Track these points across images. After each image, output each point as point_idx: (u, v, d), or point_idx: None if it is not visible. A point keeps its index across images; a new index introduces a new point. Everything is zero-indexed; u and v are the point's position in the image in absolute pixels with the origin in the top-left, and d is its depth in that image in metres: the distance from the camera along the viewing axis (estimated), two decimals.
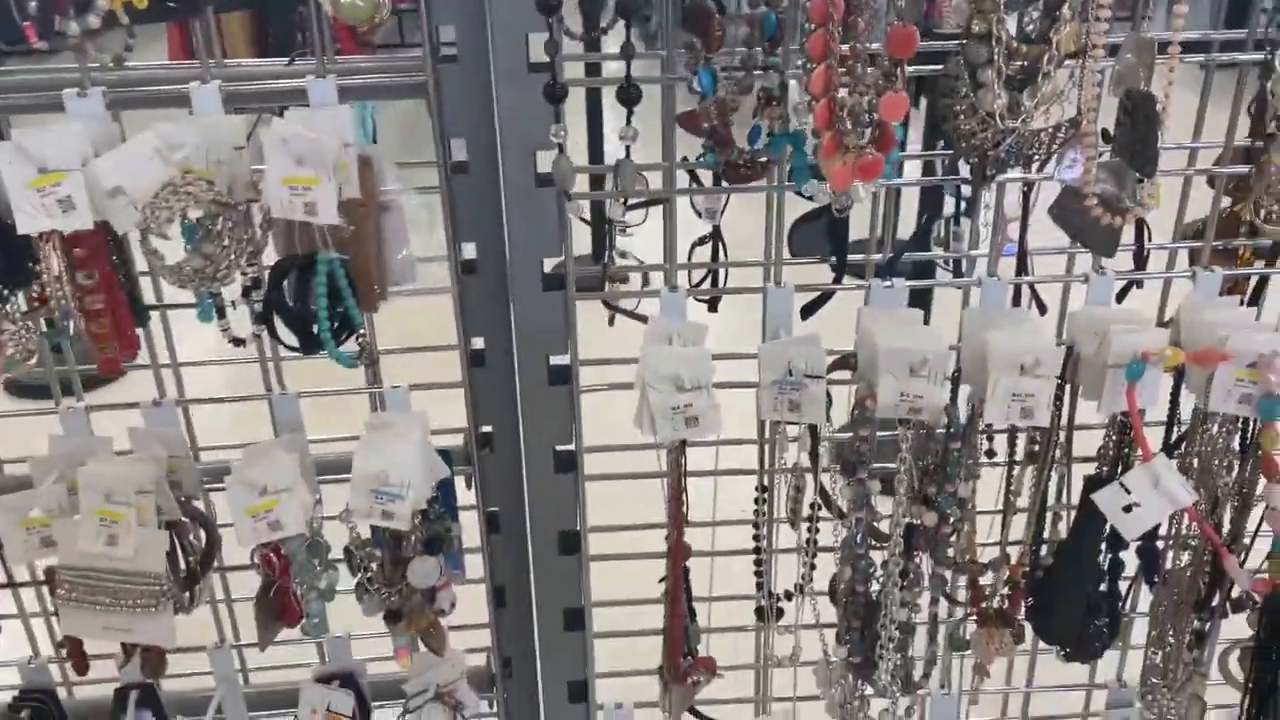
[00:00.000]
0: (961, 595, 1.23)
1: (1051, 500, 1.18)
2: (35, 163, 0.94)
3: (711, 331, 1.11)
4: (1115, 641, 1.26)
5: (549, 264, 1.15)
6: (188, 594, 1.15)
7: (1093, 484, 1.13)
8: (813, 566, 1.18)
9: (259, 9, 4.34)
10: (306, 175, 0.97)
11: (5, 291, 1.02)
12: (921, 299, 2.36)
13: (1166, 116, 0.99)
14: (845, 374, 1.13)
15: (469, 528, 1.22)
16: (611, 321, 1.29)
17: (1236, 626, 1.26)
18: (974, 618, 1.23)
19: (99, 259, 1.02)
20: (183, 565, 1.16)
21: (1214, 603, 1.21)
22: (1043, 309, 1.23)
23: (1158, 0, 1.39)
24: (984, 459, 1.16)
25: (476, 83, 1.09)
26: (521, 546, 1.30)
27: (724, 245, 1.28)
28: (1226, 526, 1.18)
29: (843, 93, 0.94)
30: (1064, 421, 1.14)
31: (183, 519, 1.14)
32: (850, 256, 1.16)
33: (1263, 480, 1.13)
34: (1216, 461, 1.15)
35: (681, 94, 1.07)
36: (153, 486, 1.08)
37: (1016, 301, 1.20)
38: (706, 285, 1.26)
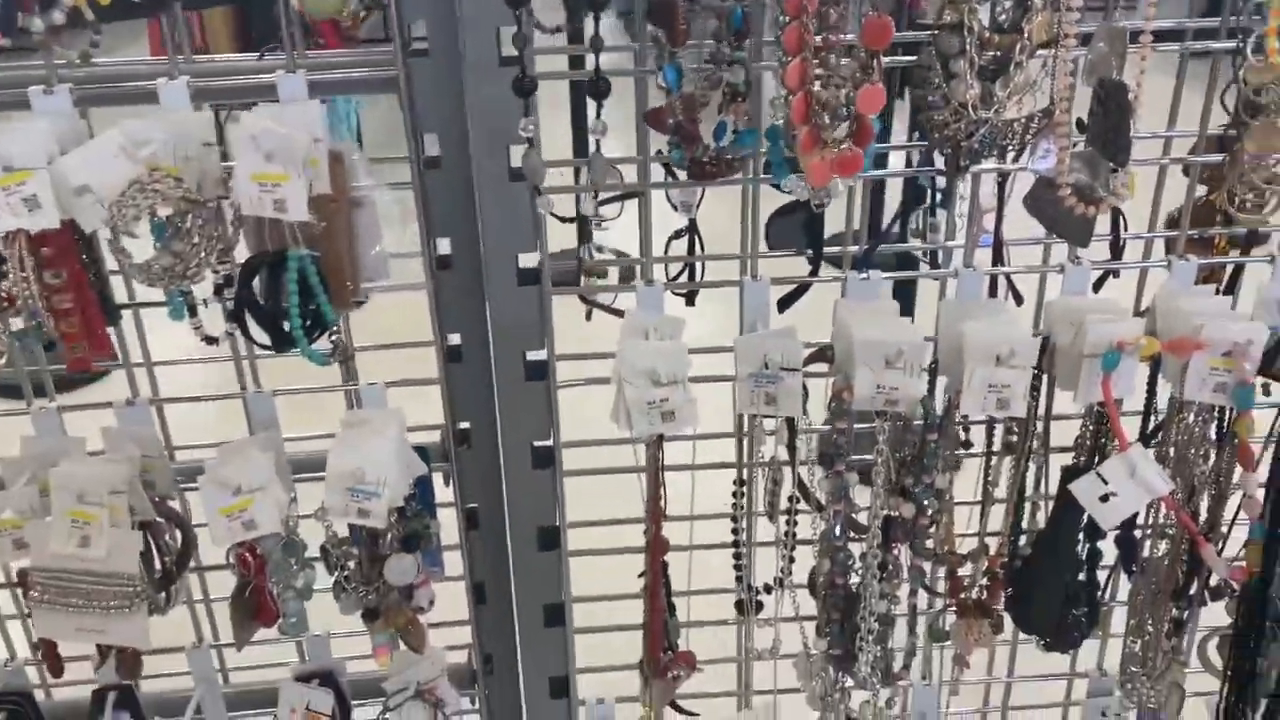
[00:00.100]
0: (940, 586, 1.23)
1: (1029, 491, 1.18)
2: (0, 161, 0.93)
3: (689, 325, 1.11)
4: (1094, 631, 1.26)
5: (524, 259, 1.15)
6: (164, 594, 1.14)
7: (1070, 474, 1.13)
8: (792, 559, 1.17)
9: (241, 4, 4.31)
10: (276, 171, 0.96)
11: None
12: (905, 292, 2.36)
13: (1139, 105, 0.99)
14: (822, 366, 1.13)
15: (448, 525, 1.22)
16: (589, 316, 1.29)
17: (1215, 614, 1.26)
18: (953, 609, 1.24)
19: (67, 258, 1.01)
20: (158, 565, 1.15)
21: (1192, 591, 1.22)
22: (1019, 299, 1.22)
23: None
24: (961, 450, 1.16)
25: (448, 77, 1.08)
26: (501, 543, 1.30)
27: (700, 238, 1.28)
28: (1204, 515, 1.18)
29: (817, 86, 0.93)
30: (1041, 412, 1.15)
31: (157, 519, 1.13)
32: (827, 249, 1.16)
33: (1239, 468, 1.13)
34: (1193, 450, 1.15)
35: (655, 88, 1.06)
36: (125, 487, 1.07)
37: (993, 292, 1.20)
38: (683, 279, 1.26)
